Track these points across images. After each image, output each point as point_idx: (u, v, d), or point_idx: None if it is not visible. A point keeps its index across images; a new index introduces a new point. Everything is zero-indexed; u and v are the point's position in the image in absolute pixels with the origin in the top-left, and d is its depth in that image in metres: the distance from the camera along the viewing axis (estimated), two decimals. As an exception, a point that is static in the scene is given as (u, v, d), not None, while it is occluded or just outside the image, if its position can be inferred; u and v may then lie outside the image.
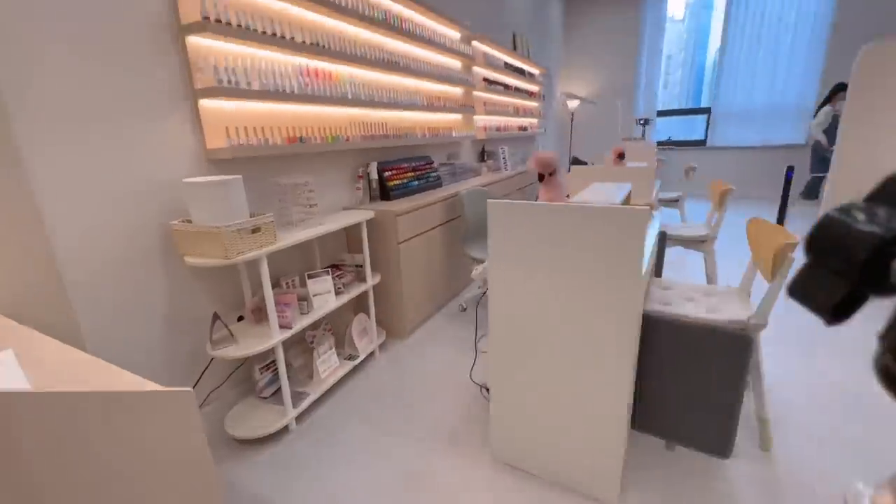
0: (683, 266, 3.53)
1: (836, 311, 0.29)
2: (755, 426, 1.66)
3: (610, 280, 1.18)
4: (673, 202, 4.14)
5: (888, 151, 3.04)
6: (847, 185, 3.28)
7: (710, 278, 2.65)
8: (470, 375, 2.09)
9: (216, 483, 0.87)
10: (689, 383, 1.50)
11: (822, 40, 5.54)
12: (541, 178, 1.35)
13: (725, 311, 1.58)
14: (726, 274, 3.22)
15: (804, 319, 2.48)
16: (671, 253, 3.90)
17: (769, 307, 1.45)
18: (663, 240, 2.72)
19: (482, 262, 2.56)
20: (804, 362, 2.07)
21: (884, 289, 0.27)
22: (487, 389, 1.86)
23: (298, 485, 1.48)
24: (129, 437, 0.69)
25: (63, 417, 0.63)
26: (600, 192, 1.68)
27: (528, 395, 1.43)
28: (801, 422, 1.68)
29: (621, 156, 2.76)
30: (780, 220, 4.12)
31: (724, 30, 6.14)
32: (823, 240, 0.29)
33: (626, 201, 1.85)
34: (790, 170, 4.00)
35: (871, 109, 3.10)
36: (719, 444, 1.52)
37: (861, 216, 0.27)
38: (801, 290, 0.31)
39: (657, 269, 2.55)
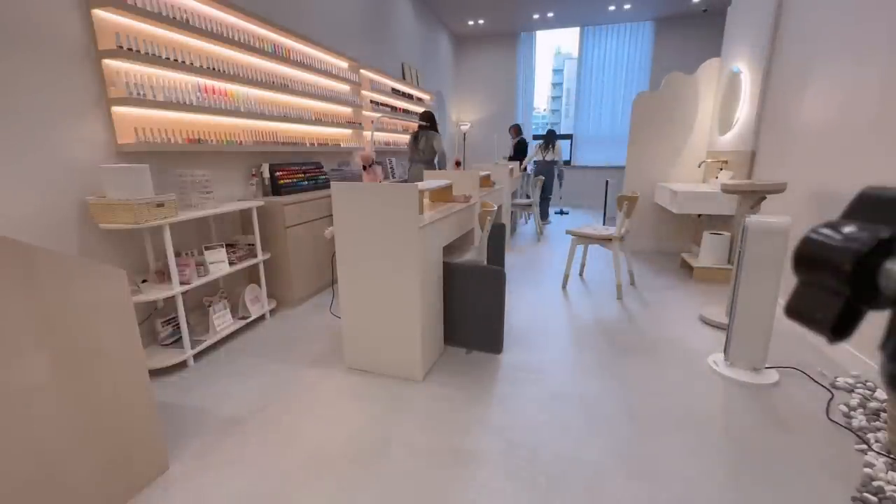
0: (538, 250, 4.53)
1: (835, 329, 0.30)
2: (515, 336, 2.50)
3: (396, 229, 1.91)
4: (527, 206, 5.20)
5: (655, 167, 4.34)
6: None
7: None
8: (329, 309, 2.76)
9: (140, 347, 1.40)
10: (474, 305, 2.29)
11: (644, 83, 7.21)
12: (364, 168, 2.05)
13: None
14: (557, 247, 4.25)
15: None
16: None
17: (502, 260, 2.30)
18: (501, 229, 3.63)
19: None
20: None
21: (877, 301, 0.28)
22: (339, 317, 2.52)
23: (197, 394, 1.99)
24: (73, 290, 1.23)
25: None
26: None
27: (365, 317, 2.11)
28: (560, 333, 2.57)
29: (458, 163, 3.65)
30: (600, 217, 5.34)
31: (578, 70, 7.66)
32: (808, 260, 0.30)
33: (448, 188, 2.66)
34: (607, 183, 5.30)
35: (645, 139, 4.39)
36: (494, 344, 2.33)
37: (838, 233, 0.28)
38: (799, 311, 0.32)
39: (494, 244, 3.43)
